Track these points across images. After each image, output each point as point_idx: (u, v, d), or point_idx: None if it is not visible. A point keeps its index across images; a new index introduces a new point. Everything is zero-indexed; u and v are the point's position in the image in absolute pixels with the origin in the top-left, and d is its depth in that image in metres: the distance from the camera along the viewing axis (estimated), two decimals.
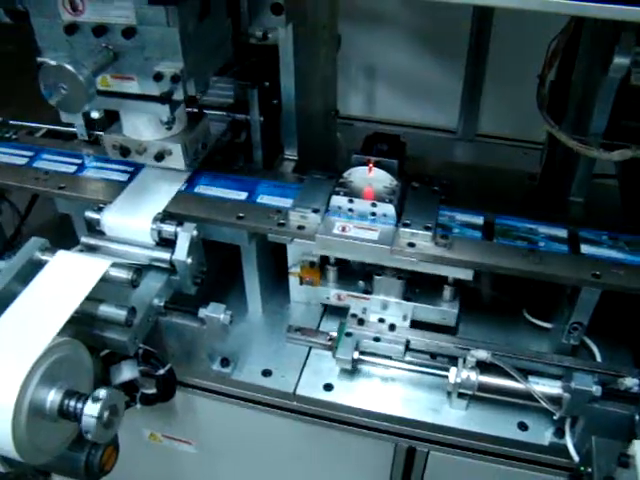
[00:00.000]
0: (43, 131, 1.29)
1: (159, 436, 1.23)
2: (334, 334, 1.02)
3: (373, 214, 0.96)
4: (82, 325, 0.86)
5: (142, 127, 0.99)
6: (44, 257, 0.91)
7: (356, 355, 0.99)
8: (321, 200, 0.98)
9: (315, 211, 0.96)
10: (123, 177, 1.08)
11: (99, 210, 0.99)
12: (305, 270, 1.08)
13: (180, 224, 0.96)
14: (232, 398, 1.07)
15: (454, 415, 0.98)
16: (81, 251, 0.99)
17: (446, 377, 0.94)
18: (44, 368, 0.73)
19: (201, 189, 1.04)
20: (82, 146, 1.18)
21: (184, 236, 0.94)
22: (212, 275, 1.03)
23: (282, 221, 0.97)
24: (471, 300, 1.08)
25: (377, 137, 1.08)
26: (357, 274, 1.06)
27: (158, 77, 0.85)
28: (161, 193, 1.02)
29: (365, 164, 0.98)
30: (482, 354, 0.92)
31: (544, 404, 0.89)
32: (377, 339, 1.00)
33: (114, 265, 0.88)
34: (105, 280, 0.87)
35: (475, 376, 0.92)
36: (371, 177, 0.98)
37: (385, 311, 1.04)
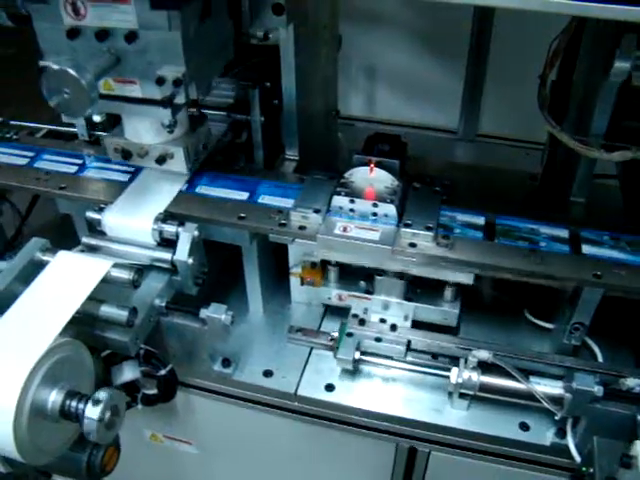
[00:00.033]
0: (44, 131, 1.29)
1: (160, 436, 1.23)
2: (335, 334, 1.02)
3: (374, 214, 0.96)
4: (83, 325, 0.85)
5: (144, 130, 0.99)
6: (45, 257, 0.91)
7: (357, 355, 0.99)
8: (322, 200, 0.98)
9: (316, 211, 0.96)
10: (124, 177, 1.08)
11: (100, 210, 0.99)
12: (306, 270, 1.08)
13: (181, 224, 0.96)
14: (233, 398, 1.07)
15: (455, 415, 0.98)
16: (82, 251, 0.98)
17: (447, 377, 0.94)
18: (46, 369, 0.73)
19: (202, 189, 1.04)
20: (83, 146, 1.18)
21: (185, 236, 0.94)
22: (213, 275, 1.03)
23: (283, 221, 0.97)
24: (472, 300, 1.08)
25: (378, 137, 1.08)
26: (358, 274, 1.06)
27: (160, 81, 0.85)
28: (162, 193, 1.02)
29: (366, 164, 0.98)
30: (483, 354, 0.92)
31: (546, 404, 0.89)
32: (378, 339, 1.00)
33: (115, 265, 0.88)
34: (106, 280, 0.87)
35: (476, 376, 0.92)
36: (372, 177, 0.98)
37: (386, 311, 1.04)
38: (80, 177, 1.10)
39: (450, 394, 0.98)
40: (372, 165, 0.97)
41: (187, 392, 1.09)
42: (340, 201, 0.97)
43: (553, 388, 0.89)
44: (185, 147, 1.00)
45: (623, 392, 0.86)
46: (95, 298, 0.85)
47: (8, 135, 1.21)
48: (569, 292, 0.95)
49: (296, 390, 1.01)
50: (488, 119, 1.60)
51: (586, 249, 0.92)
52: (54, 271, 0.88)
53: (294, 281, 1.12)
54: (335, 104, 1.40)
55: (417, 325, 1.04)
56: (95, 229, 1.01)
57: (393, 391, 1.01)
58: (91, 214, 0.99)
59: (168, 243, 0.97)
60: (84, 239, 1.00)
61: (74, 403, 0.74)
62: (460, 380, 0.92)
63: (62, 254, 0.91)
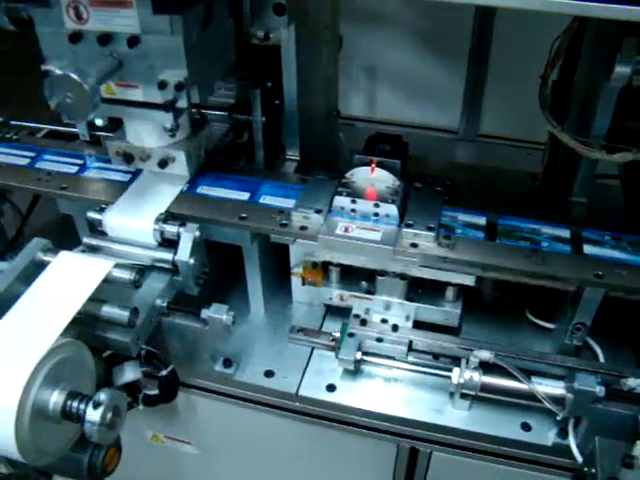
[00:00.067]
0: (44, 131, 1.29)
1: (161, 437, 1.23)
2: (337, 334, 1.01)
3: (376, 214, 0.96)
4: (85, 326, 0.85)
5: (146, 134, 0.99)
6: (46, 258, 0.91)
7: (359, 356, 0.98)
8: (324, 200, 0.98)
9: (318, 211, 0.96)
10: (125, 178, 1.08)
11: (101, 211, 0.99)
12: (307, 270, 1.08)
13: (182, 224, 0.96)
14: (234, 399, 1.06)
15: (457, 416, 0.97)
16: (83, 252, 0.98)
17: (449, 378, 0.94)
18: (47, 369, 0.73)
19: (203, 189, 1.04)
20: (84, 147, 1.19)
21: (186, 237, 0.94)
22: (214, 276, 1.03)
23: (285, 222, 0.96)
24: (474, 300, 1.08)
25: (379, 137, 1.08)
26: (360, 274, 1.06)
27: (162, 85, 0.85)
28: (163, 194, 1.02)
29: (367, 164, 0.98)
30: (485, 354, 0.92)
31: (547, 404, 0.88)
32: (380, 339, 1.00)
33: (117, 266, 0.88)
34: (108, 281, 0.87)
35: (478, 376, 0.92)
36: (374, 177, 0.97)
37: (388, 311, 1.04)
38: (81, 177, 1.09)
39: (451, 394, 0.98)
40: (373, 165, 0.97)
41: (188, 392, 1.09)
42: (341, 201, 0.97)
43: (555, 388, 0.89)
44: (187, 151, 1.00)
45: (625, 392, 0.86)
46: (96, 298, 0.84)
47: (9, 135, 1.21)
48: (570, 292, 0.95)
49: (297, 390, 1.01)
50: (489, 119, 1.60)
51: (587, 249, 0.92)
52: (55, 271, 0.88)
53: (295, 281, 1.12)
54: (336, 104, 1.40)
55: (418, 325, 1.03)
56: (96, 229, 1.01)
57: (394, 391, 1.01)
58: (92, 214, 0.99)
59: (169, 243, 0.96)
60: (85, 239, 1.00)
61: (75, 404, 0.74)
62: (462, 380, 0.92)
63: (63, 254, 0.91)
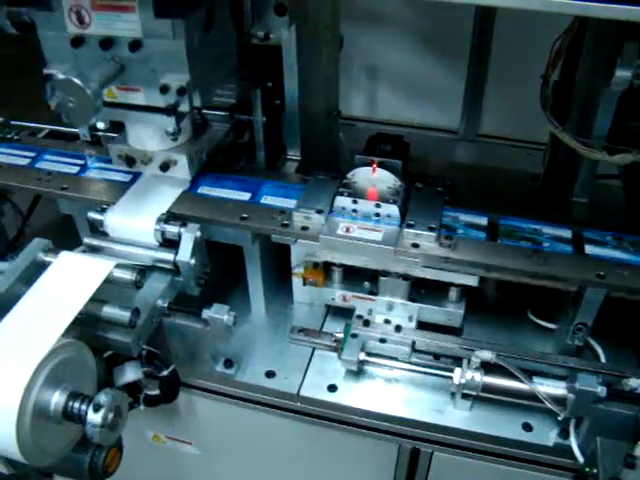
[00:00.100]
0: (45, 132, 1.29)
1: (162, 437, 1.23)
2: (339, 335, 1.01)
3: (377, 215, 0.96)
4: (86, 326, 0.85)
5: (147, 138, 0.99)
6: (47, 258, 0.91)
7: (362, 356, 0.98)
8: (325, 201, 0.98)
9: (319, 212, 0.96)
10: (126, 178, 1.07)
11: (102, 211, 0.99)
12: (309, 271, 1.08)
13: (184, 225, 0.96)
14: (235, 399, 1.06)
15: (458, 416, 0.97)
16: (84, 252, 0.98)
17: (450, 378, 0.94)
18: (48, 370, 0.73)
19: (204, 190, 1.04)
20: (84, 147, 1.18)
21: (188, 237, 0.94)
22: (215, 276, 1.03)
23: (286, 222, 0.96)
24: (475, 301, 1.08)
25: (380, 137, 1.08)
26: (362, 275, 1.05)
27: (164, 89, 0.85)
28: (165, 194, 1.02)
29: (369, 165, 0.98)
30: (486, 355, 0.92)
31: (549, 405, 0.88)
32: (383, 340, 0.99)
33: (118, 266, 0.88)
34: (109, 281, 0.87)
35: (479, 377, 0.92)
36: (375, 178, 0.97)
37: (391, 312, 1.04)
38: (82, 178, 1.09)
39: (453, 394, 0.98)
40: (375, 165, 0.97)
41: (189, 393, 1.09)
42: (343, 201, 0.97)
43: (556, 389, 0.89)
44: (189, 154, 1.00)
45: (626, 392, 0.86)
46: (97, 299, 0.84)
47: (9, 135, 1.21)
48: (572, 292, 0.95)
49: (298, 391, 1.01)
50: (489, 119, 1.60)
51: (589, 249, 0.92)
52: (56, 272, 0.87)
53: (296, 281, 1.12)
54: (336, 104, 1.40)
55: (421, 326, 1.03)
56: (97, 230, 1.00)
57: (396, 392, 1.01)
58: (93, 215, 0.99)
59: (170, 244, 0.96)
60: (86, 240, 0.99)
61: (77, 404, 0.74)
62: (463, 380, 0.92)
63: (64, 255, 0.90)
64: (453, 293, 1.01)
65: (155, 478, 1.38)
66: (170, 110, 0.87)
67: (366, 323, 1.02)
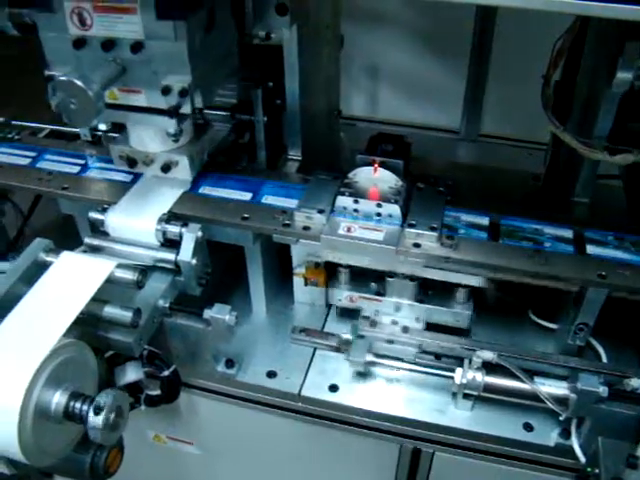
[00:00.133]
0: (46, 131, 1.29)
1: (163, 437, 1.23)
2: (347, 336, 1.01)
3: (378, 215, 0.96)
4: (87, 326, 0.85)
5: (149, 139, 0.99)
6: (48, 258, 0.91)
7: (370, 358, 0.98)
8: (326, 201, 0.98)
9: (320, 212, 0.96)
10: (127, 178, 1.07)
11: (103, 211, 0.99)
12: (310, 271, 1.08)
13: (185, 225, 0.96)
14: (237, 399, 1.06)
15: (459, 416, 0.97)
16: (84, 252, 0.98)
17: (451, 378, 0.94)
18: (50, 370, 0.73)
19: (206, 190, 1.03)
20: (85, 147, 1.18)
21: (189, 237, 0.94)
22: (216, 276, 1.03)
23: (287, 222, 0.96)
24: (476, 301, 1.08)
25: (382, 137, 1.08)
26: (369, 276, 1.05)
27: (166, 91, 0.85)
28: (166, 194, 1.02)
29: (370, 164, 0.98)
30: (488, 355, 0.92)
31: (550, 405, 0.88)
32: (390, 341, 0.99)
33: (119, 266, 0.88)
34: (110, 281, 0.87)
35: (481, 377, 0.92)
36: (376, 177, 0.97)
37: (397, 313, 1.03)
38: (83, 177, 1.09)
39: (454, 394, 0.98)
40: (376, 165, 0.97)
41: (190, 393, 1.09)
42: (344, 201, 0.97)
43: (557, 389, 0.89)
44: (190, 155, 1.00)
45: (628, 393, 0.86)
46: (99, 299, 0.84)
47: (10, 135, 1.21)
48: (573, 292, 0.95)
49: (300, 391, 1.01)
50: (490, 119, 1.60)
51: (590, 249, 0.92)
52: (58, 272, 0.87)
53: (297, 281, 1.12)
54: (337, 104, 1.40)
55: (426, 326, 1.03)
56: (98, 230, 1.00)
57: (397, 392, 1.01)
58: (94, 214, 0.99)
59: (171, 244, 0.96)
60: (87, 240, 0.99)
61: (78, 404, 0.74)
62: (464, 381, 0.92)
63: (66, 255, 0.90)
64: (460, 294, 1.01)
65: (156, 478, 1.38)
66: (172, 111, 0.87)
67: (373, 324, 1.01)
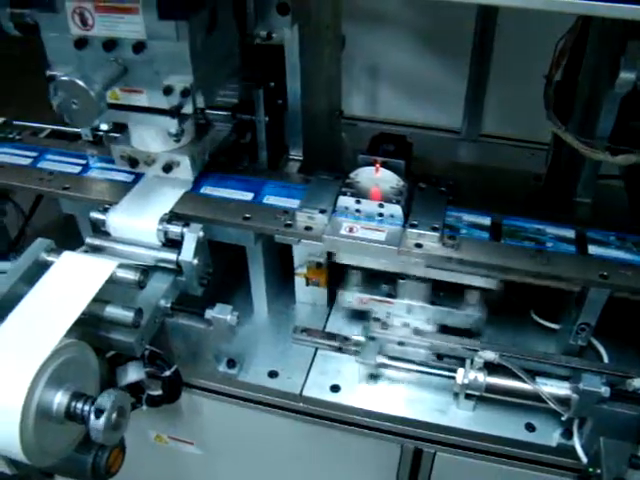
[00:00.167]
0: (47, 131, 1.28)
1: (165, 437, 1.22)
2: (358, 338, 1.00)
3: (380, 215, 0.96)
4: (89, 327, 0.85)
5: (150, 139, 0.99)
6: (50, 258, 0.91)
7: (381, 359, 0.97)
8: (328, 201, 0.98)
9: (322, 212, 0.96)
10: (128, 178, 1.07)
11: (105, 211, 0.99)
12: (311, 271, 1.08)
13: (186, 225, 0.96)
14: (238, 399, 1.06)
15: (461, 416, 0.97)
16: (85, 252, 0.98)
17: (453, 378, 0.94)
18: (51, 370, 0.73)
19: (207, 190, 1.03)
20: (86, 146, 1.18)
21: (190, 237, 0.94)
22: (218, 276, 1.03)
23: (289, 222, 0.96)
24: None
25: (383, 137, 1.07)
26: (380, 278, 1.04)
27: (168, 91, 0.85)
28: (167, 194, 1.02)
29: (372, 164, 0.98)
30: (490, 355, 0.92)
31: (552, 405, 0.88)
32: (401, 343, 0.98)
33: (121, 266, 0.88)
34: (112, 281, 0.87)
35: (483, 377, 0.92)
36: (378, 177, 0.97)
37: (408, 315, 1.03)
38: (84, 177, 1.09)
39: (456, 395, 0.98)
40: (378, 165, 0.97)
41: (192, 393, 1.08)
42: (346, 201, 0.97)
43: (559, 389, 0.89)
44: (191, 155, 1.00)
45: (630, 393, 0.86)
46: (100, 299, 0.84)
47: (11, 135, 1.21)
48: (575, 293, 0.95)
49: (301, 391, 1.01)
50: (492, 119, 1.59)
51: (592, 249, 0.92)
52: (59, 272, 0.87)
53: (299, 281, 1.12)
54: (339, 104, 1.40)
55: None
56: (99, 230, 1.00)
57: (399, 392, 1.01)
58: (95, 214, 0.99)
59: (173, 244, 0.96)
60: (88, 239, 0.99)
61: (80, 405, 0.74)
62: (466, 381, 0.92)
63: (67, 255, 0.90)
64: (471, 296, 1.00)
65: (157, 478, 1.38)
66: (173, 111, 0.87)
67: (384, 325, 1.00)
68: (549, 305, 1.07)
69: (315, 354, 1.07)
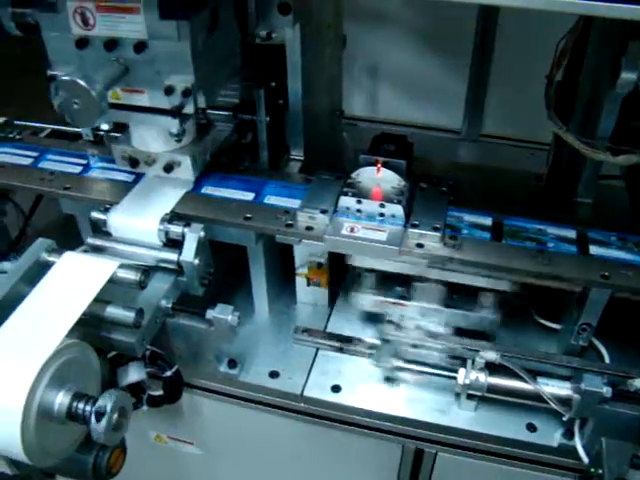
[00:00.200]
0: (47, 131, 1.28)
1: (165, 437, 1.22)
2: (373, 341, 1.00)
3: (381, 215, 0.96)
4: (90, 327, 0.85)
5: (151, 139, 0.99)
6: (51, 258, 0.91)
7: (397, 363, 0.97)
8: (329, 201, 0.98)
9: (323, 212, 0.96)
10: (129, 178, 1.07)
11: (105, 211, 0.99)
12: (312, 271, 1.08)
13: (187, 225, 0.95)
14: (239, 400, 1.06)
15: (462, 416, 0.97)
16: (85, 252, 0.98)
17: (454, 378, 0.94)
18: (53, 370, 0.73)
19: (208, 190, 1.03)
20: (87, 146, 1.18)
21: (191, 237, 0.94)
22: (219, 276, 1.03)
23: (290, 222, 0.96)
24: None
25: (384, 137, 1.07)
26: (394, 280, 1.04)
27: (169, 91, 0.85)
28: (168, 194, 1.02)
29: (373, 164, 0.98)
30: (491, 355, 0.92)
31: (554, 405, 0.88)
32: (415, 346, 0.98)
33: (122, 266, 0.88)
34: (113, 281, 0.87)
35: (484, 377, 0.92)
36: (379, 178, 0.97)
37: (422, 317, 1.02)
38: (85, 177, 1.09)
39: (457, 395, 0.98)
40: (379, 165, 0.97)
41: (193, 393, 1.08)
42: (347, 201, 0.96)
43: (561, 389, 0.89)
44: (193, 155, 1.00)
45: (631, 393, 0.86)
46: (101, 299, 0.84)
47: (12, 135, 1.21)
48: (577, 293, 0.95)
49: (302, 391, 1.01)
50: (492, 119, 1.59)
51: (593, 250, 0.92)
52: (60, 272, 0.87)
53: (300, 281, 1.12)
54: (340, 104, 1.40)
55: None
56: (99, 229, 1.00)
57: (400, 392, 1.01)
58: (96, 214, 0.99)
59: (174, 244, 0.96)
60: (89, 240, 0.99)
61: (81, 405, 0.74)
62: (468, 381, 0.92)
63: (68, 255, 0.90)
64: (485, 298, 0.99)
65: (157, 478, 1.38)
66: (174, 111, 0.87)
67: (397, 328, 1.00)
68: (550, 305, 1.07)
69: (316, 354, 1.07)
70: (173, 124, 0.89)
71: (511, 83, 1.49)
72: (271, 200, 1.01)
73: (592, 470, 0.86)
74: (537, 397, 0.90)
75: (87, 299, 0.81)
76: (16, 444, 0.70)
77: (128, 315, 0.84)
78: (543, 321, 1.08)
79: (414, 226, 0.93)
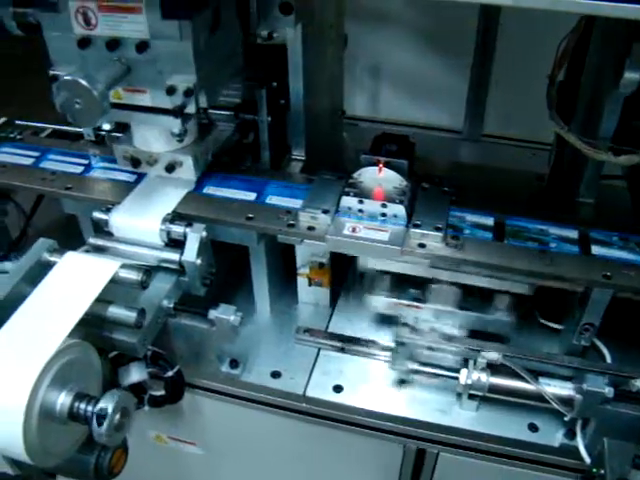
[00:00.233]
0: (48, 131, 1.28)
1: (164, 437, 1.22)
2: (388, 344, 1.00)
3: (383, 215, 0.95)
4: (91, 327, 0.85)
5: (153, 139, 0.99)
6: (52, 258, 0.91)
7: (413, 366, 0.97)
8: (331, 201, 0.98)
9: (325, 212, 0.96)
10: (130, 178, 1.07)
11: (107, 211, 0.99)
12: (314, 271, 1.08)
13: (189, 225, 0.95)
14: (241, 400, 1.06)
15: (464, 416, 0.97)
16: (87, 252, 0.98)
17: (456, 379, 0.94)
18: (55, 370, 0.73)
19: (210, 190, 1.03)
20: (89, 146, 1.18)
21: (193, 237, 0.94)
22: (220, 276, 1.03)
23: (292, 222, 0.96)
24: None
25: (386, 137, 1.07)
26: (408, 282, 1.03)
27: (171, 91, 0.85)
28: (170, 194, 1.02)
29: (375, 164, 0.98)
30: (493, 355, 0.92)
31: (555, 405, 0.88)
32: (430, 348, 0.97)
33: (123, 266, 0.88)
34: (114, 281, 0.87)
35: (486, 377, 0.92)
36: (381, 177, 0.97)
37: (437, 320, 1.02)
38: (86, 177, 1.09)
39: (459, 395, 0.98)
40: (381, 165, 0.97)
41: (194, 393, 1.08)
42: (349, 201, 0.96)
43: (562, 389, 0.89)
44: (194, 155, 1.00)
45: (633, 393, 0.86)
46: (103, 299, 0.84)
47: (13, 135, 1.21)
48: (579, 293, 0.95)
49: (304, 391, 1.01)
50: (494, 119, 1.59)
51: (595, 250, 0.92)
52: (62, 272, 0.87)
53: (301, 281, 1.12)
54: (341, 104, 1.40)
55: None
56: (100, 229, 1.00)
57: (402, 392, 1.01)
58: (98, 214, 0.99)
59: (176, 244, 0.96)
60: (90, 239, 0.99)
61: (83, 405, 0.74)
62: (469, 381, 0.92)
63: (70, 255, 0.90)
64: (500, 301, 0.99)
65: (158, 479, 1.38)
66: (176, 111, 0.87)
67: (413, 330, 0.98)
68: (552, 305, 1.07)
69: (318, 354, 1.07)
70: (175, 124, 0.89)
71: (513, 83, 1.49)
72: (273, 200, 1.01)
73: (594, 470, 0.86)
74: (539, 397, 0.90)
75: (89, 299, 0.81)
76: (18, 444, 0.70)
77: (130, 315, 0.84)
78: (545, 321, 1.08)
79: (416, 226, 0.93)
